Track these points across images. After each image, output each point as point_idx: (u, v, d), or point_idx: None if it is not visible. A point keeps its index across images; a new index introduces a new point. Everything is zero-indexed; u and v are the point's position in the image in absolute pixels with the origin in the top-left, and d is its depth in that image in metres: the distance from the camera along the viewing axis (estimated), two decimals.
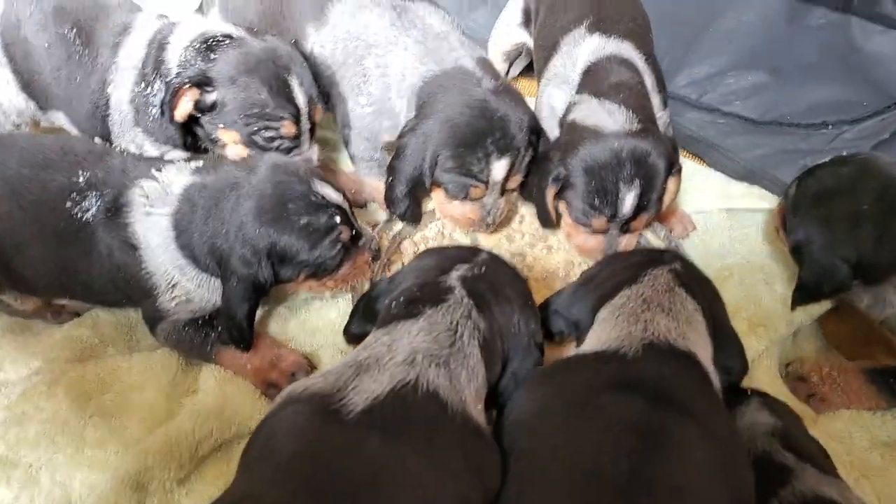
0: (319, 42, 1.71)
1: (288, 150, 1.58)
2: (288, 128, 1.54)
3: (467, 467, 0.91)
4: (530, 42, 2.13)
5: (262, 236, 1.30)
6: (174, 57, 1.51)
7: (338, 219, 1.36)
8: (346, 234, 1.38)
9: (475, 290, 1.10)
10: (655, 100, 1.66)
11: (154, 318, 1.41)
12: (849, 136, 2.20)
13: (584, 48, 1.67)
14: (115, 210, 1.34)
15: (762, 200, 1.91)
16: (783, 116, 2.30)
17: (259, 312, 1.57)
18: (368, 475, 0.83)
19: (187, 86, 1.46)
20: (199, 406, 1.37)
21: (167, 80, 1.50)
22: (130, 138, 1.63)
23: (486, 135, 1.49)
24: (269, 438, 0.92)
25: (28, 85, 1.66)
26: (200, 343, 1.43)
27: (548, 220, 1.63)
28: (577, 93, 1.58)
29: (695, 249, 1.82)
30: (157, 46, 1.54)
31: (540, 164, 1.58)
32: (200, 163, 1.44)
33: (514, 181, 1.61)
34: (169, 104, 1.48)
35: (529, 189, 1.64)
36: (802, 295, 1.50)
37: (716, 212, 1.93)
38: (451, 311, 1.06)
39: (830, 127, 2.24)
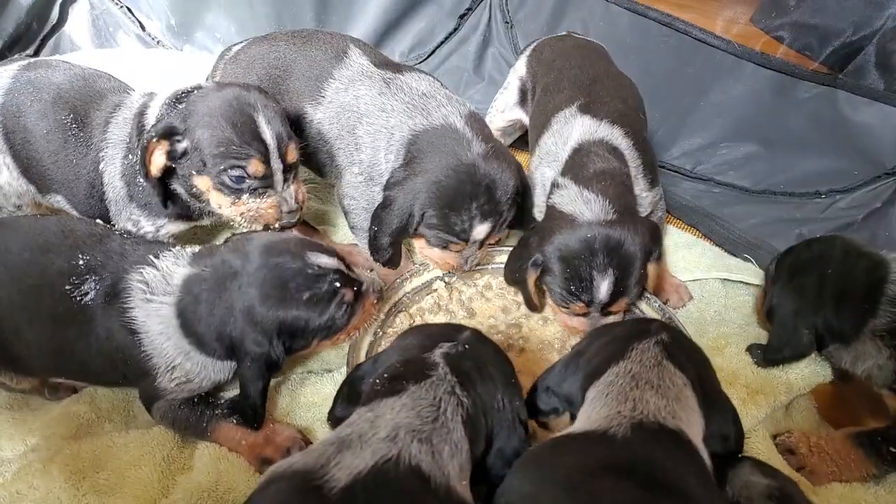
0: (317, 119, 1.80)
1: (259, 192, 1.57)
2: (255, 166, 1.53)
3: None
4: (526, 119, 2.20)
5: (270, 318, 1.33)
6: (151, 119, 1.57)
7: (338, 283, 1.39)
8: (349, 295, 1.41)
9: (459, 367, 1.11)
10: (642, 183, 1.72)
11: (151, 398, 1.42)
12: (842, 205, 2.24)
13: (574, 128, 1.73)
14: (114, 295, 1.36)
15: (756, 277, 1.92)
16: (776, 185, 2.35)
17: None
18: None
19: (155, 139, 1.50)
20: (194, 484, 1.36)
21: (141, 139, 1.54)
22: (127, 216, 1.68)
23: (472, 199, 1.55)
24: None
25: (27, 170, 1.72)
26: (196, 421, 1.44)
27: (531, 304, 1.67)
28: (562, 174, 1.63)
29: (690, 318, 1.83)
30: (139, 116, 1.60)
31: (520, 248, 1.63)
32: (195, 249, 1.47)
33: (493, 239, 1.67)
34: (143, 161, 1.51)
35: (510, 273, 1.67)
36: (768, 356, 1.60)
37: (711, 281, 1.94)
38: (434, 387, 1.07)
39: (823, 196, 2.29)
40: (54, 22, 2.86)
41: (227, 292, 1.34)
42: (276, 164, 1.57)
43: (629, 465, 0.98)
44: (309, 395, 1.59)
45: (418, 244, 1.72)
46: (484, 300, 1.82)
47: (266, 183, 1.57)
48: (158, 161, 1.53)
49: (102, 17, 2.95)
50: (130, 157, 1.62)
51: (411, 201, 1.58)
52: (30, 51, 2.71)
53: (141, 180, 1.60)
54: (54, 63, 1.77)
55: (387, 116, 1.68)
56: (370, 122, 1.70)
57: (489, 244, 1.70)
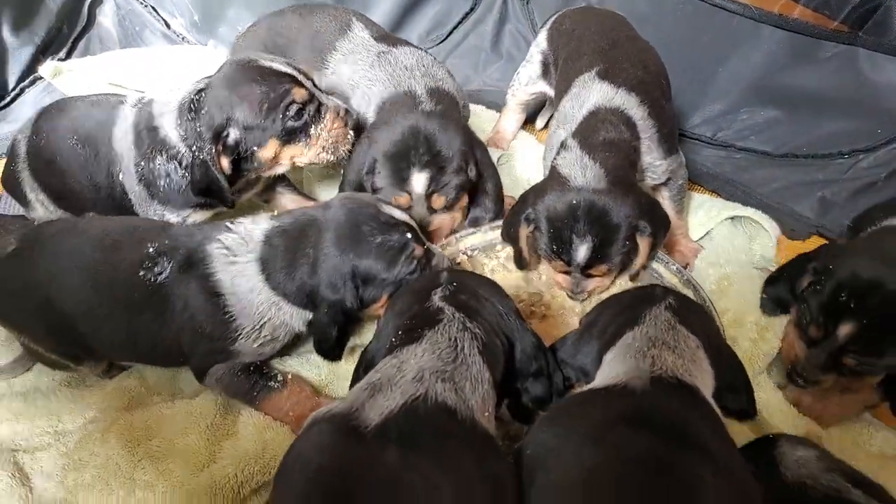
0: (322, 87, 1.89)
1: (316, 117, 1.69)
2: (299, 92, 1.64)
3: (481, 474, 0.98)
4: (550, 91, 2.23)
5: (343, 261, 1.43)
6: (173, 135, 1.67)
7: (409, 235, 1.48)
8: (419, 251, 1.49)
9: (460, 304, 1.22)
10: (656, 152, 1.76)
11: (209, 364, 1.51)
12: (864, 164, 2.23)
13: (592, 92, 1.76)
14: (190, 265, 1.45)
15: (763, 219, 1.98)
16: (798, 148, 2.34)
17: (295, 363, 1.70)
18: (387, 483, 0.92)
19: (214, 150, 1.61)
20: (241, 452, 1.46)
21: (183, 156, 1.67)
22: (153, 212, 1.78)
23: (411, 149, 1.68)
24: (297, 456, 1.02)
25: (59, 199, 1.85)
26: (249, 388, 1.53)
27: (521, 260, 1.73)
28: (572, 136, 1.68)
29: (700, 263, 1.90)
30: (147, 129, 1.70)
31: (519, 203, 1.70)
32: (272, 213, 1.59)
33: (439, 201, 1.75)
34: (217, 169, 1.63)
35: (507, 227, 1.74)
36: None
37: (719, 226, 2.01)
38: (447, 328, 1.17)
39: (846, 156, 2.27)
40: (84, 24, 2.93)
41: (306, 239, 1.46)
42: (309, 83, 1.70)
43: (648, 415, 1.03)
44: (347, 367, 1.67)
45: None
46: (506, 271, 1.87)
47: (316, 104, 1.69)
48: (226, 163, 1.66)
49: (129, 17, 3.03)
50: (143, 163, 1.72)
51: (367, 150, 1.74)
52: (62, 54, 2.81)
53: (161, 183, 1.72)
54: (61, 103, 1.89)
55: (371, 86, 1.85)
56: (361, 91, 1.87)
57: (436, 208, 1.78)
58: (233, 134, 1.64)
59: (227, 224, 1.52)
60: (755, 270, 1.80)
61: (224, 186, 1.67)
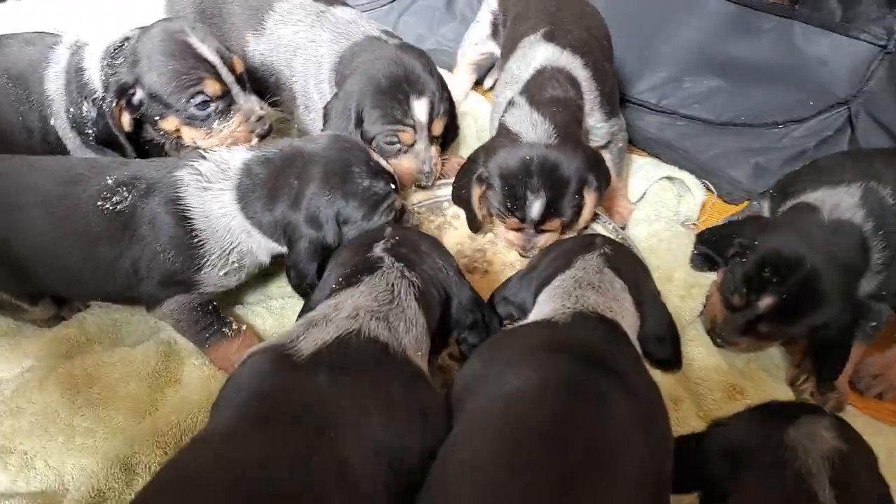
0: (260, 49, 1.91)
1: (225, 113, 1.66)
2: (211, 85, 1.61)
3: (409, 400, 1.05)
4: (498, 51, 2.26)
5: (331, 199, 1.44)
6: (96, 79, 1.64)
7: (392, 186, 1.51)
8: (398, 203, 1.53)
9: (400, 255, 1.28)
10: (597, 114, 1.81)
11: (168, 295, 1.50)
12: (797, 134, 2.33)
13: (538, 52, 1.80)
14: (154, 192, 1.45)
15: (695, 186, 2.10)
16: (737, 117, 2.43)
17: (241, 311, 1.72)
18: (317, 403, 0.98)
19: (115, 104, 1.59)
20: (185, 400, 1.48)
21: (98, 102, 1.63)
22: None
23: (401, 80, 1.69)
24: (232, 384, 1.08)
25: None
26: (204, 328, 1.53)
27: (475, 221, 1.75)
28: (520, 94, 1.71)
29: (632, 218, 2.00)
30: (75, 72, 1.66)
31: (468, 163, 1.72)
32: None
33: (438, 126, 1.78)
34: (117, 126, 1.61)
35: (457, 189, 1.77)
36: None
37: (653, 186, 2.10)
38: (385, 275, 1.23)
39: (781, 126, 2.37)
40: None
41: (290, 169, 1.46)
42: (229, 78, 1.65)
43: (567, 343, 1.12)
44: (291, 317, 1.69)
45: None
46: (452, 229, 1.91)
47: (227, 101, 1.65)
48: (126, 120, 1.63)
49: None
50: (72, 109, 1.68)
51: (346, 104, 1.72)
52: None
53: (89, 131, 1.68)
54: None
55: (317, 47, 1.83)
56: (303, 53, 1.84)
57: (436, 136, 1.81)
58: (139, 94, 1.62)
59: (201, 152, 1.52)
60: (682, 228, 1.89)
61: (123, 143, 1.65)
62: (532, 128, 1.62)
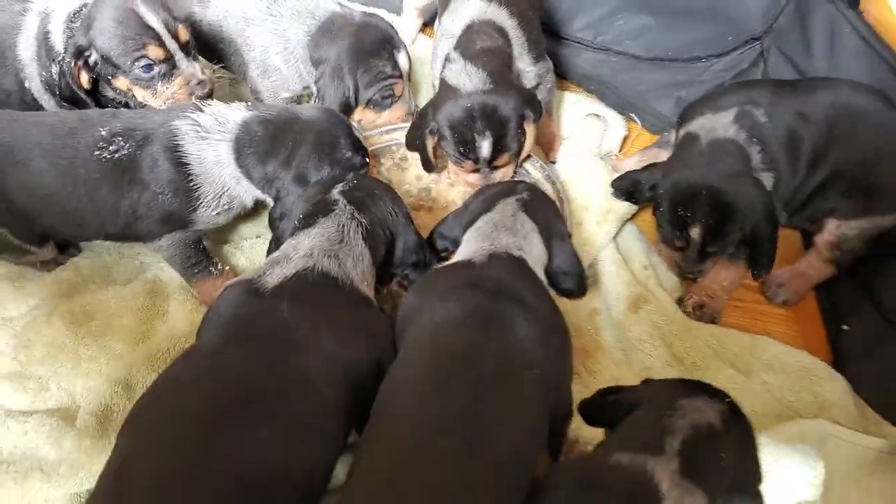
0: (206, 19, 2.06)
1: (169, 76, 1.82)
2: (153, 50, 1.76)
3: (356, 322, 1.32)
4: None
5: (318, 164, 1.66)
6: (59, 42, 1.81)
7: (367, 159, 1.76)
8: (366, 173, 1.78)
9: (353, 198, 1.50)
10: (526, 59, 1.99)
11: (165, 231, 1.72)
12: (716, 68, 2.53)
13: (467, 8, 1.96)
14: (152, 140, 1.63)
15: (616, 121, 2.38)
16: (664, 53, 2.60)
17: (218, 250, 1.96)
18: (280, 326, 1.23)
19: (73, 64, 1.76)
20: (173, 330, 1.74)
21: (59, 62, 1.79)
22: None
23: (382, 41, 1.95)
24: (211, 312, 1.34)
25: None
26: (194, 263, 1.78)
27: (428, 164, 1.97)
28: (454, 49, 1.89)
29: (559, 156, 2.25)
30: (43, 38, 1.82)
31: (419, 118, 1.92)
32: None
33: (410, 72, 2.08)
34: (76, 84, 1.78)
35: (411, 140, 1.96)
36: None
37: (580, 121, 2.34)
38: (337, 216, 1.45)
39: (703, 60, 2.56)
40: None
41: (287, 132, 1.67)
42: (172, 45, 1.80)
43: (482, 280, 1.35)
44: (259, 255, 1.94)
45: (367, 118, 2.08)
46: (400, 170, 2.13)
47: (171, 65, 1.82)
48: (85, 78, 1.79)
49: None
50: (44, 73, 1.85)
51: (339, 77, 1.93)
52: None
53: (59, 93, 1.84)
54: None
55: (276, 20, 1.99)
56: (258, 24, 2.01)
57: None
58: (94, 56, 1.78)
59: (198, 104, 1.71)
60: (601, 160, 2.14)
61: (85, 99, 1.82)
62: (469, 79, 1.81)
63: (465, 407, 1.12)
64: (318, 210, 1.48)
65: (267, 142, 1.67)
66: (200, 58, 1.95)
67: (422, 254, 1.61)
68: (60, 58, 1.79)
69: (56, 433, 1.49)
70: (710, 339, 1.85)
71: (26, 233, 1.73)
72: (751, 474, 1.16)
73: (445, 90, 1.86)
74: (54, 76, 1.83)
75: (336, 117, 1.76)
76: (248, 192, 1.75)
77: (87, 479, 1.44)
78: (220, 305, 1.33)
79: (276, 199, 1.70)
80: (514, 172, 1.98)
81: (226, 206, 1.74)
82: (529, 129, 1.88)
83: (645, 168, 1.97)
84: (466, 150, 1.83)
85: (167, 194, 1.66)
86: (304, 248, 1.38)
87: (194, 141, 1.65)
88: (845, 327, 1.96)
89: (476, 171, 1.90)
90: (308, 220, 1.47)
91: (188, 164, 1.65)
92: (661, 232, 1.92)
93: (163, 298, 1.82)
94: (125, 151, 1.62)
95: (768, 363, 1.81)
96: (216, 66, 2.16)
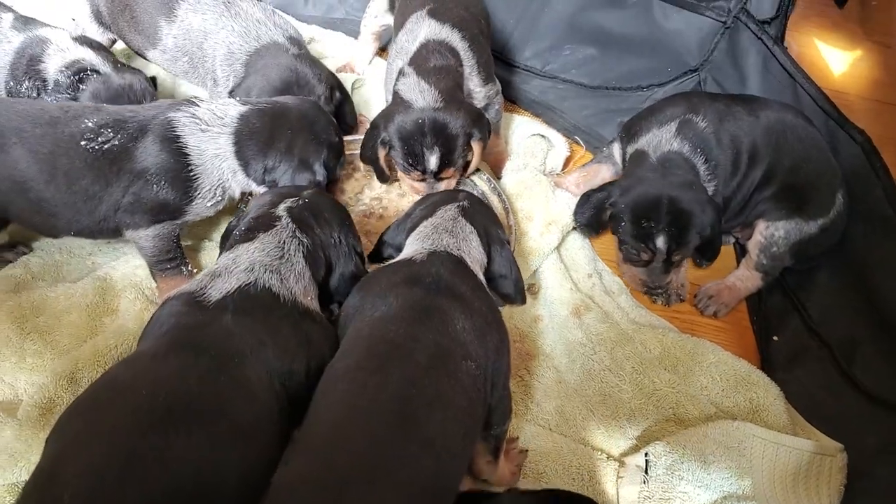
0: (173, 34, 2.15)
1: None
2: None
3: (296, 335, 1.33)
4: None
5: (317, 149, 1.79)
6: (51, 73, 1.94)
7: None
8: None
9: (298, 217, 1.52)
10: (476, 79, 2.10)
11: (154, 220, 1.73)
12: (657, 96, 2.70)
13: (422, 28, 2.07)
14: (147, 132, 1.68)
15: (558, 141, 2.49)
16: (608, 81, 2.78)
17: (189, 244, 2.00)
18: (223, 336, 1.24)
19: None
20: (122, 328, 1.75)
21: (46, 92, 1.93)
22: None
23: (292, 84, 2.02)
24: (154, 320, 1.34)
25: None
26: (171, 257, 1.80)
27: (382, 176, 2.07)
28: (409, 65, 1.99)
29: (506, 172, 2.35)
30: (30, 58, 1.94)
31: (371, 129, 2.01)
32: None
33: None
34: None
35: (365, 151, 2.05)
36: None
37: (526, 140, 2.45)
38: (278, 233, 1.46)
39: (644, 89, 2.75)
40: None
41: (283, 122, 1.77)
42: None
43: (421, 277, 1.41)
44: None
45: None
46: (353, 180, 2.21)
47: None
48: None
49: None
50: (13, 82, 1.94)
51: (248, 94, 2.03)
52: None
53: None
54: None
55: (227, 34, 2.09)
56: (213, 37, 2.11)
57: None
58: None
59: (192, 100, 1.78)
60: (544, 177, 2.26)
61: None
62: (421, 95, 1.92)
63: (401, 390, 1.16)
64: (260, 225, 1.49)
65: (266, 133, 1.75)
66: None
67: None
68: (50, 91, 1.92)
69: None
70: (653, 345, 1.94)
71: None
72: None
73: (397, 103, 1.96)
74: (22, 91, 1.91)
75: (317, 105, 1.88)
76: (240, 185, 1.82)
77: (27, 469, 1.43)
78: (161, 315, 1.32)
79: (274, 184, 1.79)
80: (459, 183, 2.08)
81: (219, 198, 1.80)
82: (476, 147, 1.98)
83: (599, 189, 2.07)
84: (415, 161, 1.93)
85: (164, 185, 1.70)
86: (244, 262, 1.39)
87: (194, 133, 1.72)
88: (775, 338, 2.09)
89: (423, 180, 1.99)
90: (248, 235, 1.47)
91: (188, 155, 1.71)
92: (624, 250, 2.03)
93: (113, 296, 1.84)
94: (116, 142, 1.66)
95: (707, 369, 1.91)
96: None
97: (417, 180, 2.00)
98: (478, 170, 2.15)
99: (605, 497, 1.60)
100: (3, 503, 1.37)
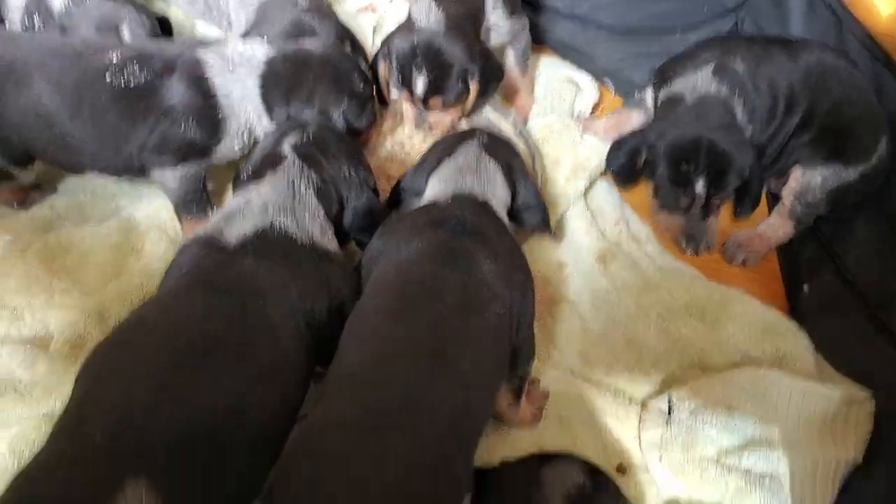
0: None
1: None
2: None
3: (317, 276, 1.34)
4: None
5: (338, 97, 1.74)
6: (57, 6, 1.92)
7: (374, 91, 1.88)
8: (375, 104, 1.88)
9: (304, 153, 1.50)
10: (500, 11, 2.04)
11: (181, 160, 1.72)
12: (692, 39, 2.57)
13: None
14: (174, 70, 1.65)
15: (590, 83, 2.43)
16: (641, 24, 2.67)
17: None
18: (245, 278, 1.25)
19: None
20: (147, 268, 1.77)
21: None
22: None
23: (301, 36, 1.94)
24: (174, 265, 1.35)
25: None
26: (198, 199, 1.80)
27: (381, 96, 2.04)
28: None
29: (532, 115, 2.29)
30: None
31: (381, 46, 1.98)
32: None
33: None
34: None
35: (372, 67, 2.01)
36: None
37: (551, 81, 2.38)
38: (286, 171, 1.45)
39: (679, 33, 2.63)
40: None
41: (308, 68, 1.73)
42: None
43: (446, 219, 1.40)
44: None
45: None
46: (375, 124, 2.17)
47: None
48: None
49: None
50: (28, 21, 1.94)
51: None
52: None
53: None
54: None
55: None
56: None
57: None
58: None
59: (216, 40, 1.76)
60: (572, 121, 2.19)
61: None
62: (426, 16, 1.87)
63: (432, 330, 1.17)
64: (266, 164, 1.48)
65: (290, 79, 1.72)
66: None
67: (371, 219, 1.59)
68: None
69: (30, 358, 1.52)
70: (680, 293, 1.90)
71: (10, 153, 1.74)
72: None
73: (406, 22, 1.93)
74: (35, 26, 1.91)
75: (342, 52, 1.84)
76: (264, 129, 1.78)
77: (60, 401, 1.46)
78: (182, 259, 1.34)
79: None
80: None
81: (245, 139, 1.78)
82: (473, 87, 1.92)
83: (632, 134, 1.99)
84: (404, 80, 1.89)
85: (192, 123, 1.68)
86: (257, 203, 1.38)
87: (222, 73, 1.69)
88: (805, 287, 2.03)
89: (412, 102, 1.96)
90: (256, 174, 1.46)
91: (215, 95, 1.69)
92: (660, 197, 1.92)
93: (137, 237, 1.85)
94: (141, 79, 1.64)
95: (735, 317, 1.87)
96: None
97: (407, 100, 1.98)
98: (499, 110, 2.09)
99: (627, 441, 1.59)
100: (41, 429, 1.41)
